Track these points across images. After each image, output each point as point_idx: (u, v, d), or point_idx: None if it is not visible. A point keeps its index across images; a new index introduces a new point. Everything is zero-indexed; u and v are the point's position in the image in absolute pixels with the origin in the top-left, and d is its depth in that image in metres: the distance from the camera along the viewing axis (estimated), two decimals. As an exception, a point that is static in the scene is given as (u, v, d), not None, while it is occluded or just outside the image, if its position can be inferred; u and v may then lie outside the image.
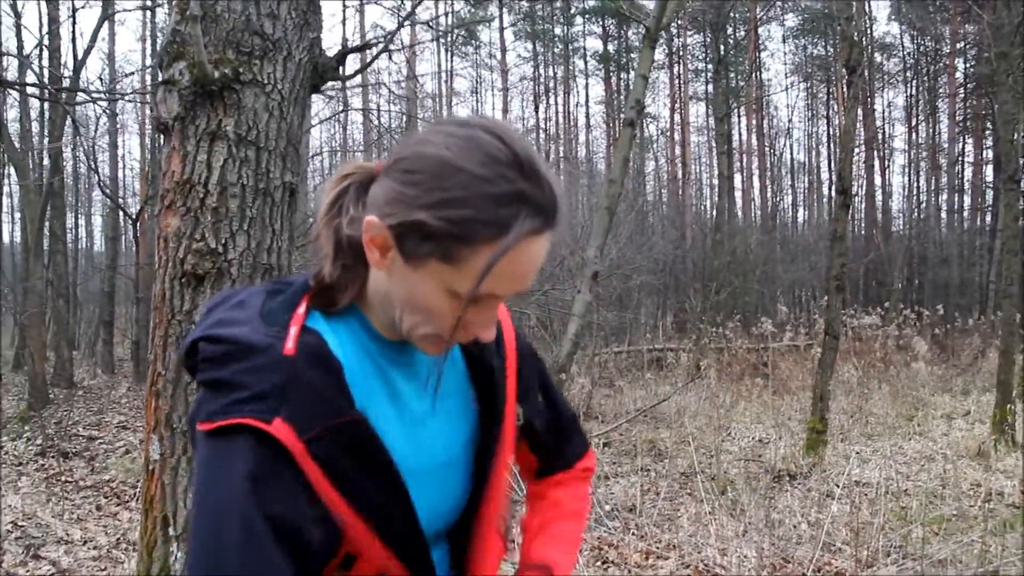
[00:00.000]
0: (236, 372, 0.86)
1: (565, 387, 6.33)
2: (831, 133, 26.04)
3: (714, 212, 17.30)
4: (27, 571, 4.34)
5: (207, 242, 2.10)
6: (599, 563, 4.58)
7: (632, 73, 23.34)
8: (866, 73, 23.18)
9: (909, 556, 4.57)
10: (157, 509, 2.10)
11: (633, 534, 5.13)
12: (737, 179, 25.64)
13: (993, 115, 18.26)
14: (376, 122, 18.19)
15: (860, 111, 24.74)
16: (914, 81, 25.49)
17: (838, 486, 6.52)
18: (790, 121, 27.53)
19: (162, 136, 2.25)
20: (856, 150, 25.38)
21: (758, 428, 9.27)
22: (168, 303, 2.14)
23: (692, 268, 17.81)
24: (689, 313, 13.73)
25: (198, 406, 0.87)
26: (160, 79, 2.18)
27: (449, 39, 21.81)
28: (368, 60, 3.30)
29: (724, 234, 14.13)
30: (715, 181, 20.26)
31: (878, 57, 24.93)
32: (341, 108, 11.47)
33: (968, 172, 24.15)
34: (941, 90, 24.47)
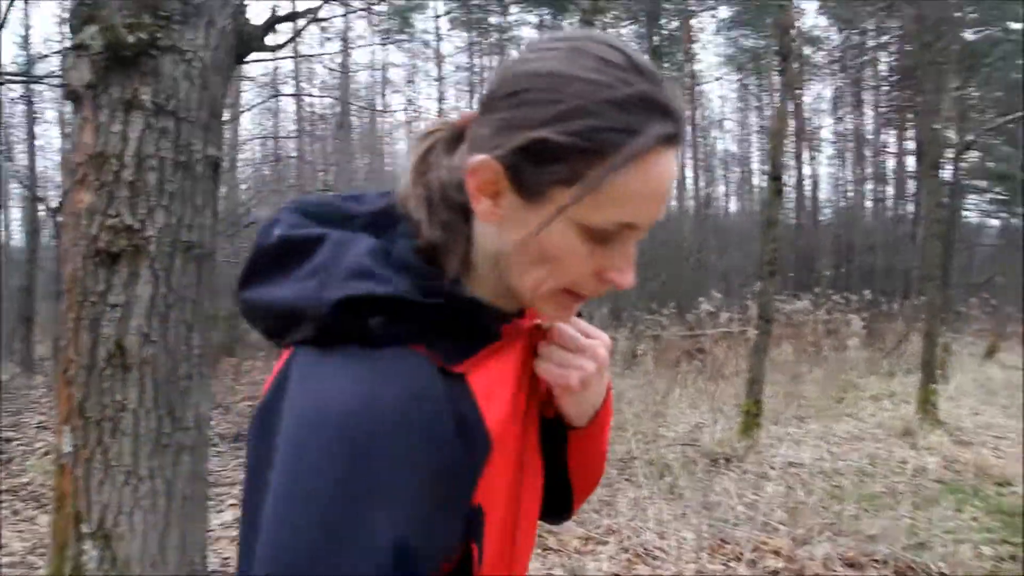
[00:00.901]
0: (444, 316, 0.79)
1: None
2: (763, 125, 26.58)
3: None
4: (-66, 578, 4.10)
5: (123, 218, 1.97)
6: (539, 550, 4.55)
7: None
8: (795, 64, 23.72)
9: (842, 533, 4.67)
10: (69, 506, 1.97)
11: (572, 520, 5.12)
12: (672, 169, 25.90)
13: (915, 106, 18.89)
14: (309, 109, 17.88)
15: (792, 100, 25.33)
16: (841, 74, 26.18)
17: (772, 467, 6.65)
18: (722, 112, 28.04)
19: (73, 106, 2.10)
20: (787, 140, 25.98)
21: (695, 413, 9.38)
22: (80, 284, 2.00)
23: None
24: (623, 301, 13.82)
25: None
26: (70, 44, 2.03)
27: (380, 21, 21.47)
28: (298, 30, 3.18)
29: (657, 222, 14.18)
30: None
31: (807, 50, 25.50)
32: (272, 94, 11.18)
33: (891, 162, 24.96)
34: (867, 82, 25.20)
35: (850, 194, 25.16)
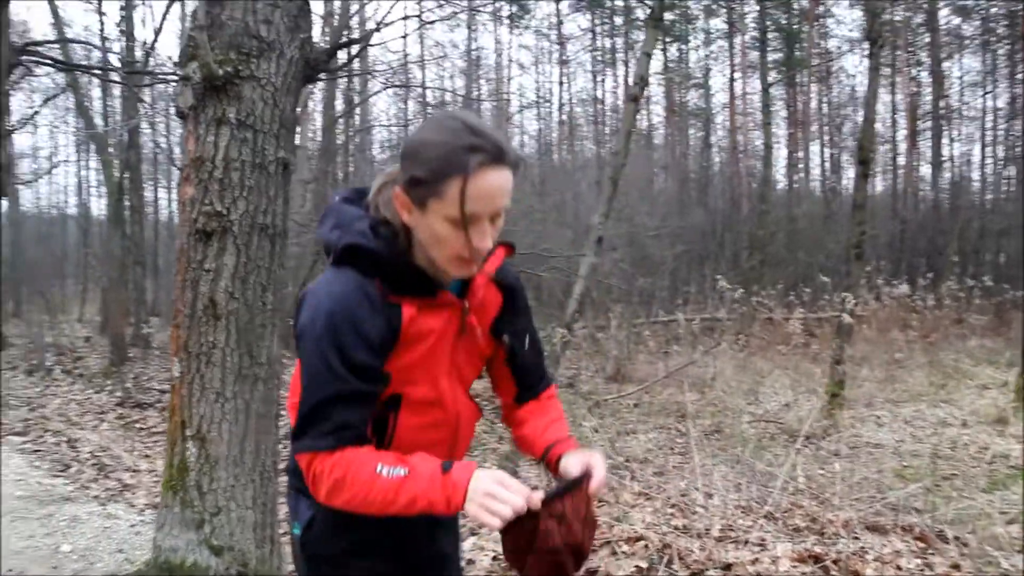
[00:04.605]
0: (395, 269, 1.42)
1: (564, 348, 6.76)
2: (896, 102, 25.34)
3: (762, 182, 17.25)
4: (98, 485, 5.13)
5: (214, 206, 2.65)
6: (594, 503, 5.02)
7: (689, 43, 23.26)
8: (928, 38, 22.51)
9: (882, 503, 4.89)
10: (177, 415, 2.68)
11: (634, 479, 5.57)
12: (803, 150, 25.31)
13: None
14: (437, 96, 18.79)
15: (932, 78, 24.08)
16: (990, 47, 24.60)
17: (849, 447, 6.82)
18: (853, 89, 26.89)
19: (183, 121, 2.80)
20: (924, 119, 24.75)
21: (788, 393, 9.52)
22: (186, 255, 2.71)
23: (747, 238, 17.85)
24: (731, 281, 13.90)
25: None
26: (179, 76, 2.73)
27: (495, 10, 22.09)
28: (355, 52, 3.80)
29: (769, 204, 14.16)
30: (774, 151, 20.13)
31: (956, 20, 24.03)
32: (400, 83, 12.02)
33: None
34: (1017, 56, 23.57)
35: (992, 176, 23.75)
